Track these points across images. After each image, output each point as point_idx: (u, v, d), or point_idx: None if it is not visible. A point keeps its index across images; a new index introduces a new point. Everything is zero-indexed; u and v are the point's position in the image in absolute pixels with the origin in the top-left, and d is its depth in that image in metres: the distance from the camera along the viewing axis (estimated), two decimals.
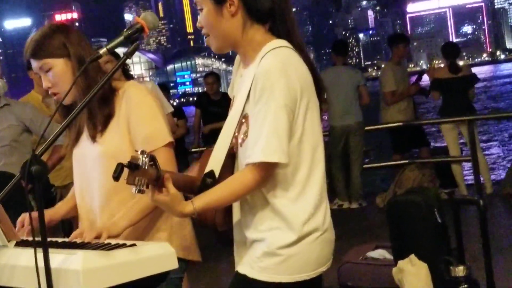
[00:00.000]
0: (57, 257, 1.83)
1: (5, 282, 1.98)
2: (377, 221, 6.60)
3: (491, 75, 77.58)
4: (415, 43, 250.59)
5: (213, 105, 8.00)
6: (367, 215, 7.30)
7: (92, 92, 1.96)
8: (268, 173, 1.98)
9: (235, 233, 2.18)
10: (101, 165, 2.41)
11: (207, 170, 2.07)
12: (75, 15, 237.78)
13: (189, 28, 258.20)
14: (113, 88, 2.42)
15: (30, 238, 2.17)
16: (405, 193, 4.44)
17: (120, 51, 2.62)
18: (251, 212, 2.07)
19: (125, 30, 1.98)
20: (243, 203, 2.10)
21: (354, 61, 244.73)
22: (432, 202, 3.64)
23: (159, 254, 2.00)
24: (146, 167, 1.79)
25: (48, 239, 1.80)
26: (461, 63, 9.23)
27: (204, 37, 2.15)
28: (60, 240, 2.28)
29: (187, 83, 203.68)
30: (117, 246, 1.99)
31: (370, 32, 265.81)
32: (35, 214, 1.85)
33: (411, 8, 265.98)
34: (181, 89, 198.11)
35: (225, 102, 7.86)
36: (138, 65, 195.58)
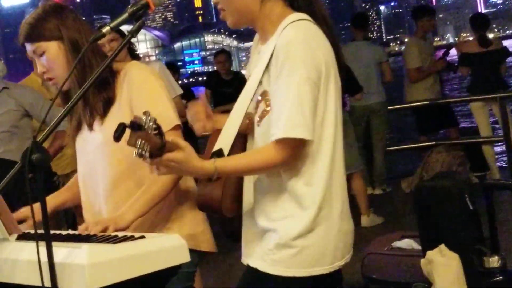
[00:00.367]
0: (61, 251, 1.83)
1: (6, 278, 1.98)
2: (403, 207, 6.58)
3: None
4: (440, 15, 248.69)
5: (225, 85, 7.98)
6: (392, 201, 7.28)
7: (92, 78, 1.93)
8: (292, 151, 1.96)
9: (245, 222, 2.17)
10: (104, 153, 2.40)
11: (215, 148, 2.06)
12: None
13: (198, 3, 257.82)
14: (114, 70, 2.41)
15: (33, 231, 2.17)
16: (433, 178, 4.41)
17: (125, 28, 2.61)
18: (265, 195, 2.07)
19: (129, 7, 1.97)
20: (257, 183, 2.09)
21: (375, 35, 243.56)
22: (463, 187, 3.61)
23: (169, 247, 2.00)
24: (150, 132, 1.73)
25: (51, 232, 1.80)
26: (491, 35, 9.13)
27: (219, 12, 2.13)
28: (64, 232, 2.28)
29: (196, 62, 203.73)
30: (125, 239, 1.98)
31: (392, 3, 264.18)
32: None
33: None
34: (189, 68, 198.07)
35: (237, 82, 7.84)
36: (144, 43, 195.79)
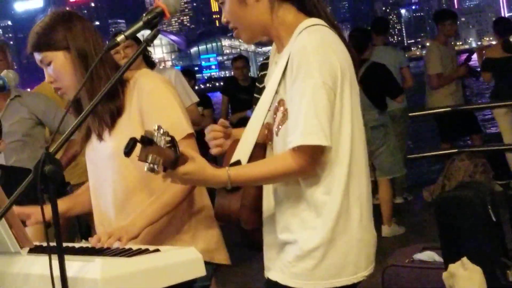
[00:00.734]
0: (74, 265, 1.84)
1: None
2: (424, 217, 6.53)
3: None
4: (463, 19, 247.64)
5: (242, 91, 7.96)
6: (414, 210, 7.25)
7: (103, 91, 1.90)
8: (311, 158, 1.95)
9: (265, 235, 2.16)
10: (114, 164, 2.40)
11: (233, 160, 2.05)
12: None
13: (214, 7, 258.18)
14: (123, 79, 2.41)
15: (45, 244, 2.17)
16: (455, 188, 4.38)
17: (141, 32, 2.61)
18: (283, 205, 2.06)
19: (144, 15, 1.97)
20: (276, 193, 2.08)
21: (395, 39, 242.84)
22: (486, 198, 3.58)
23: (185, 260, 2.00)
24: (162, 145, 1.74)
25: (64, 245, 1.80)
26: None
27: (233, 31, 2.14)
28: (77, 245, 2.28)
29: (213, 67, 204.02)
30: (139, 252, 1.98)
31: (413, 7, 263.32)
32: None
33: None
34: (206, 73, 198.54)
35: (255, 88, 7.83)
36: (159, 48, 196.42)
